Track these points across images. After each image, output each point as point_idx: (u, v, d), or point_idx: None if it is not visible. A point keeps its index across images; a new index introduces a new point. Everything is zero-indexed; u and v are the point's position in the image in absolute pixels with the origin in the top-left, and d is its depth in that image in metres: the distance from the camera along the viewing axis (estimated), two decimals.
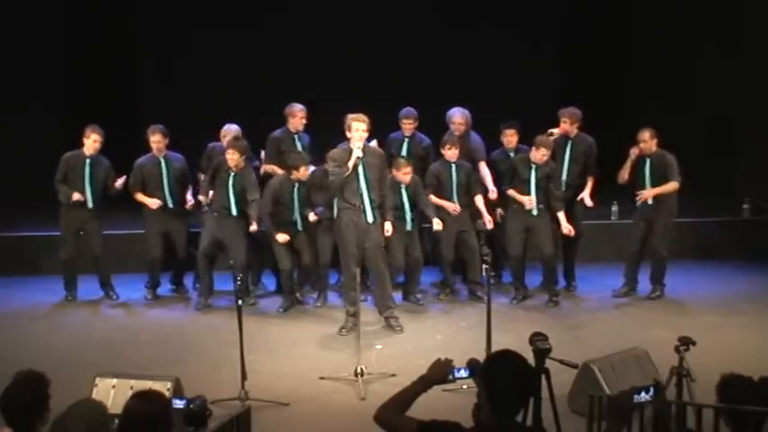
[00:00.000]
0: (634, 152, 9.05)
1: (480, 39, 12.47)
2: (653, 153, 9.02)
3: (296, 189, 8.80)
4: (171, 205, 9.28)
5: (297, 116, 9.29)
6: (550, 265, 9.08)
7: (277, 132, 9.36)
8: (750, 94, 12.12)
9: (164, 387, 5.83)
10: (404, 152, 9.32)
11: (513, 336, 6.66)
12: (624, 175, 9.14)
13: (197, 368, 7.28)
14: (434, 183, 9.09)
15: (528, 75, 12.64)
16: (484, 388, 3.50)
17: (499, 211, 9.30)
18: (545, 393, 4.12)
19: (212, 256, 9.16)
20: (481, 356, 3.88)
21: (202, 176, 9.28)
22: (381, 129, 8.93)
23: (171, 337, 8.30)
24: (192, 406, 4.28)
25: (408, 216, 8.95)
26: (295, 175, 8.75)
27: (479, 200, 9.13)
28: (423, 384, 3.70)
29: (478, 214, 8.91)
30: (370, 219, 8.08)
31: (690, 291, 9.50)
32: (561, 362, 4.91)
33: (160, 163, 9.22)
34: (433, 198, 9.02)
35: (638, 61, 12.82)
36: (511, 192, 9.03)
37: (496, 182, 9.25)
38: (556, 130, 9.31)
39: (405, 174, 8.78)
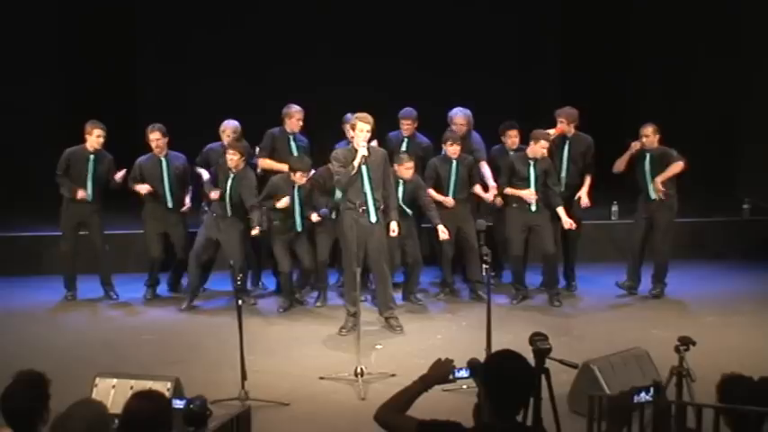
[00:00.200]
0: (635, 145, 9.04)
1: (480, 38, 12.46)
2: (654, 149, 9.02)
3: (296, 190, 8.80)
4: (171, 205, 9.28)
5: (294, 117, 9.27)
6: (552, 264, 9.08)
7: (275, 130, 9.36)
8: (750, 95, 12.12)
9: (164, 387, 5.83)
10: None
11: (513, 336, 6.65)
12: (620, 165, 9.12)
13: (197, 368, 7.28)
14: (434, 177, 9.09)
15: (528, 75, 12.62)
16: (484, 388, 3.50)
17: (498, 199, 9.26)
18: (545, 393, 4.13)
19: (204, 259, 9.16)
20: (481, 356, 3.88)
21: (200, 170, 9.26)
22: (381, 129, 8.91)
23: (171, 337, 8.30)
24: (191, 406, 4.28)
25: (404, 212, 8.89)
26: (293, 177, 8.76)
27: (478, 188, 9.13)
28: (423, 384, 3.70)
29: (478, 207, 8.83)
30: (373, 219, 8.06)
31: (690, 291, 9.50)
32: (561, 362, 4.90)
33: (161, 162, 9.21)
34: (431, 192, 8.99)
35: (638, 61, 12.82)
36: (509, 189, 9.03)
37: (497, 180, 9.23)
38: (552, 131, 9.28)
39: (407, 168, 8.74)
